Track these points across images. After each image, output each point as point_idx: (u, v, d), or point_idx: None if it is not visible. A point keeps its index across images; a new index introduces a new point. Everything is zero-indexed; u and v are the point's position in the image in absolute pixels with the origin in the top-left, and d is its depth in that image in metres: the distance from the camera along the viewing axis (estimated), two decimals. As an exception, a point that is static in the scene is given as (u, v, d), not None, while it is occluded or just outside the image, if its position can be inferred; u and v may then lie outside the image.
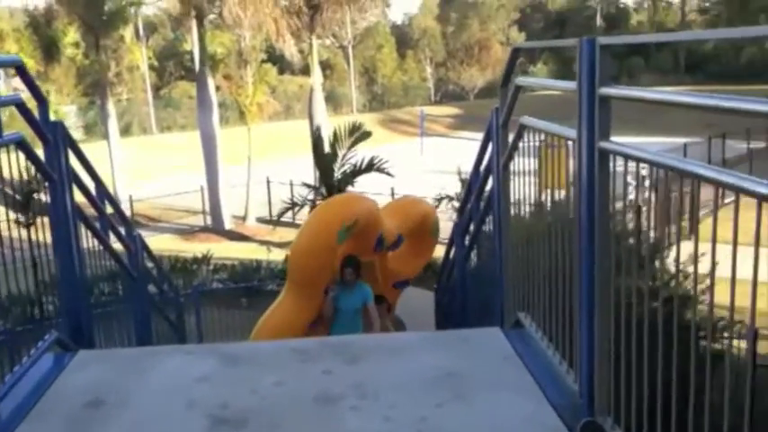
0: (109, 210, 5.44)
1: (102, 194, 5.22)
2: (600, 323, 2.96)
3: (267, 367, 3.81)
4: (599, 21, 70.05)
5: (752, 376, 4.52)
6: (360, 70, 60.46)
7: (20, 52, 37.92)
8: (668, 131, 33.08)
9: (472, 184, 5.42)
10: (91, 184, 5.14)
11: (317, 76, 24.82)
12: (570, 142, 3.28)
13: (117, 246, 5.61)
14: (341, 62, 59.00)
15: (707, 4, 70.45)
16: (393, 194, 18.40)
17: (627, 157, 2.77)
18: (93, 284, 4.88)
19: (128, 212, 25.17)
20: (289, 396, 3.46)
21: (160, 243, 21.11)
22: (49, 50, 30.27)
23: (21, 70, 3.94)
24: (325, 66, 56.52)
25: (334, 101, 53.73)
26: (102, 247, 5.03)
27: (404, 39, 65.41)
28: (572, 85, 3.06)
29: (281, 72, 54.00)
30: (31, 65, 34.61)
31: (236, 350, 4.27)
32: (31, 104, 3.99)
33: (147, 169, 33.92)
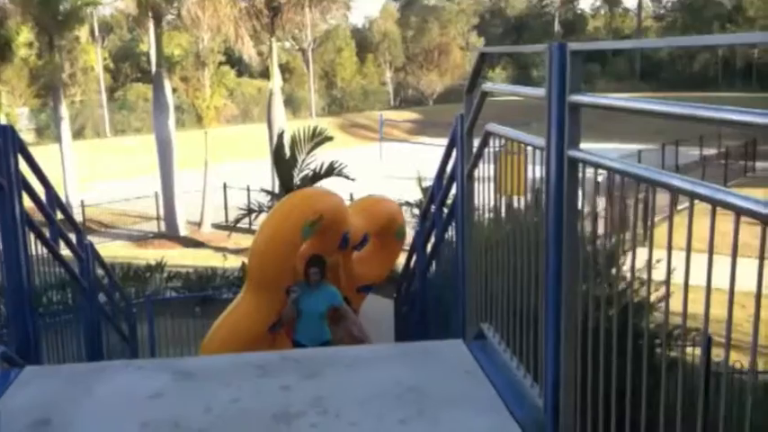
0: (60, 216, 5.25)
1: (53, 201, 5.01)
2: (566, 335, 2.88)
3: (223, 383, 3.65)
4: (557, 26, 70.96)
5: (705, 384, 4.50)
6: (319, 74, 60.31)
7: (-28, 52, 37.08)
8: (621, 137, 33.56)
9: (435, 192, 5.32)
10: (41, 190, 4.94)
11: (276, 80, 24.57)
12: (535, 149, 3.20)
13: (68, 254, 5.40)
14: (300, 65, 58.77)
15: (662, 11, 71.76)
16: (352, 200, 18.30)
17: (597, 166, 2.70)
18: (42, 295, 4.67)
19: (79, 218, 24.72)
20: (245, 414, 3.32)
21: (113, 250, 20.68)
22: (1, 51, 29.54)
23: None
24: (285, 69, 56.15)
25: (293, 104, 53.46)
26: (51, 256, 4.83)
27: (364, 42, 65.44)
28: (540, 91, 2.97)
29: (240, 75, 53.62)
30: (-17, 65, 33.87)
31: (190, 365, 4.10)
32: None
33: (100, 173, 33.33)
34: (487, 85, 3.92)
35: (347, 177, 10.21)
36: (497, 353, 3.76)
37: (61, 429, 3.17)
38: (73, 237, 5.72)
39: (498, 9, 74.97)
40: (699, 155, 29.99)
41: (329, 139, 10.24)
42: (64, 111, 27.80)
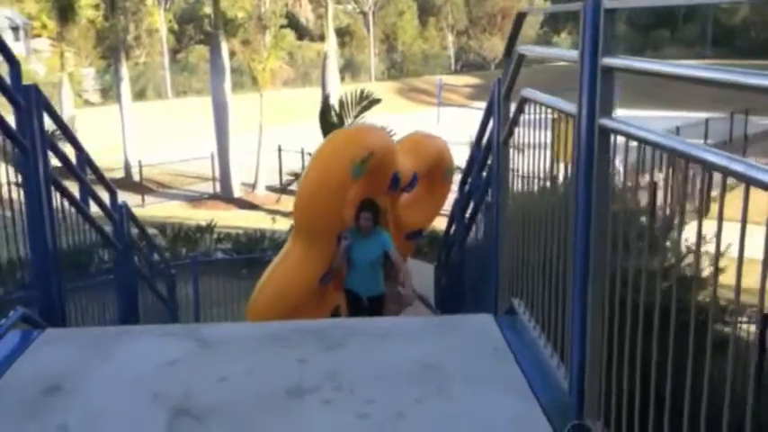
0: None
1: (83, 162, 4.96)
2: (593, 314, 2.69)
3: (241, 353, 3.56)
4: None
5: (759, 364, 4.24)
6: (380, 37, 59.76)
7: (40, 12, 37.73)
8: (678, 105, 32.35)
9: (474, 159, 5.11)
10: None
11: (331, 42, 24.38)
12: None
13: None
14: (361, 29, 58.30)
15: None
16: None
17: (629, 137, 2.47)
18: (71, 257, 4.64)
19: (136, 177, 25.10)
20: (258, 386, 3.21)
21: (168, 210, 20.93)
22: (66, 11, 29.96)
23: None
24: (345, 33, 56.00)
25: (352, 68, 53.23)
26: (81, 218, 4.79)
27: (426, 6, 64.46)
28: (574, 54, 2.75)
29: (300, 38, 53.46)
30: (51, 26, 34.46)
31: (212, 333, 4.00)
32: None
33: (159, 134, 33.74)
34: (523, 48, 3.70)
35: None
36: (527, 330, 3.59)
37: (69, 398, 3.10)
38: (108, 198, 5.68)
39: (565, -29, 73.00)
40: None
41: (377, 101, 10.08)
42: (124, 72, 28.15)
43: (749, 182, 1.75)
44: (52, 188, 4.15)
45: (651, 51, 49.95)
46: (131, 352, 3.62)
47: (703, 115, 27.79)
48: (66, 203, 4.49)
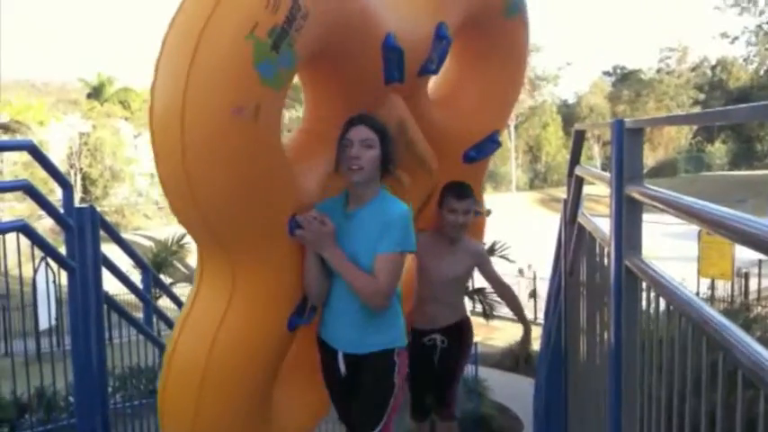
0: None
1: (149, 283, 4.90)
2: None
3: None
4: (784, 98, 65.89)
5: None
6: (523, 148, 59.82)
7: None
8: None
9: (549, 286, 4.63)
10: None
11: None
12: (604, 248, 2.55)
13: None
14: (504, 141, 58.69)
15: None
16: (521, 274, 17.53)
17: (654, 286, 2.04)
18: (127, 380, 4.52)
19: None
20: None
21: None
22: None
23: (35, 152, 3.73)
24: (488, 144, 56.43)
25: (495, 179, 53.28)
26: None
27: (570, 117, 64.25)
28: (606, 176, 2.39)
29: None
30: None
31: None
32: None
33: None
34: (578, 168, 3.32)
35: (507, 259, 9.58)
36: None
37: None
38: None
39: (720, 81, 70.85)
40: None
41: (487, 212, 9.69)
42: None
43: None
44: (105, 308, 4.09)
45: None
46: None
47: None
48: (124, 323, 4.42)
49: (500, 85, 4.38)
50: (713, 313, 1.55)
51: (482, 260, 4.15)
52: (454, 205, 3.90)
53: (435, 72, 3.65)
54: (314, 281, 2.88)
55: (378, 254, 2.75)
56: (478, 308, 9.67)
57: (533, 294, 17.51)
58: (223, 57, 2.26)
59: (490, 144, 4.42)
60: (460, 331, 4.18)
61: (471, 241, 4.13)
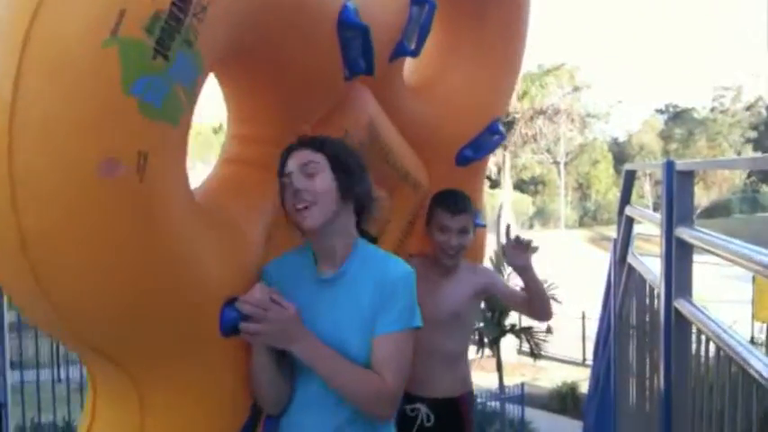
0: None
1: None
2: None
3: None
4: (844, 136, 64.41)
5: None
6: (573, 186, 59.39)
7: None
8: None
9: (599, 330, 4.55)
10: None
11: (506, 192, 24.40)
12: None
13: None
14: (554, 178, 58.36)
15: None
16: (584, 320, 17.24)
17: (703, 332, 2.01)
18: None
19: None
20: None
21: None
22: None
23: None
24: (538, 181, 56.12)
25: (544, 216, 52.94)
26: None
27: (621, 155, 63.70)
28: (656, 217, 2.37)
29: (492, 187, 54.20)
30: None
31: None
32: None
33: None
34: (629, 208, 3.30)
35: (555, 300, 9.49)
36: None
37: None
38: None
39: (774, 121, 69.70)
40: None
41: (534, 249, 9.65)
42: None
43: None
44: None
45: None
46: None
47: None
48: None
49: (500, 55, 3.22)
50: (763, 359, 1.52)
51: (489, 285, 3.04)
52: (446, 222, 2.82)
53: (415, 54, 2.63)
54: (267, 385, 1.89)
55: (378, 335, 1.86)
56: (525, 347, 9.56)
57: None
58: (68, 81, 1.28)
59: (490, 137, 3.30)
60: (457, 412, 2.97)
61: (471, 266, 3.05)
